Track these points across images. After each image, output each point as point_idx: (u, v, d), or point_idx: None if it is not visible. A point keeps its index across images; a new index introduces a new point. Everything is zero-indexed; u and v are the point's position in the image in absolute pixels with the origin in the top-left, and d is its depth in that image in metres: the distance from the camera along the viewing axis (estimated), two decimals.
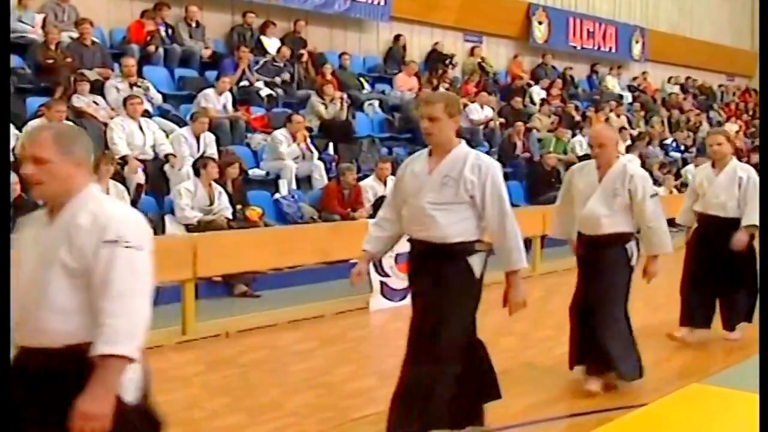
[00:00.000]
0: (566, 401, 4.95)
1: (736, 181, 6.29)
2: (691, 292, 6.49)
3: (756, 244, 6.42)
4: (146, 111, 9.42)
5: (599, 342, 5.01)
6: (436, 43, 15.30)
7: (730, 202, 6.30)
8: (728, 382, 5.17)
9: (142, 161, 8.82)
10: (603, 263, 5.09)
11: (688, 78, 21.42)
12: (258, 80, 11.61)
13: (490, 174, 3.97)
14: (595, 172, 5.19)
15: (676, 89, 20.60)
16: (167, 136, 9.35)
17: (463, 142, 4.13)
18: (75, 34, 10.10)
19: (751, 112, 22.09)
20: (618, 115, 16.33)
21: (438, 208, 3.95)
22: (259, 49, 12.17)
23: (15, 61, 9.24)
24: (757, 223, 6.23)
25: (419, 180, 4.05)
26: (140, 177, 8.62)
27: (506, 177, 13.99)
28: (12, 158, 6.76)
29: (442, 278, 3.97)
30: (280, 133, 10.18)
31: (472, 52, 16.11)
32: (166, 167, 9.04)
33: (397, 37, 14.66)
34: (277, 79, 11.86)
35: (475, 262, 4.01)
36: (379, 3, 14.19)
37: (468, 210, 3.99)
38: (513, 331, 6.92)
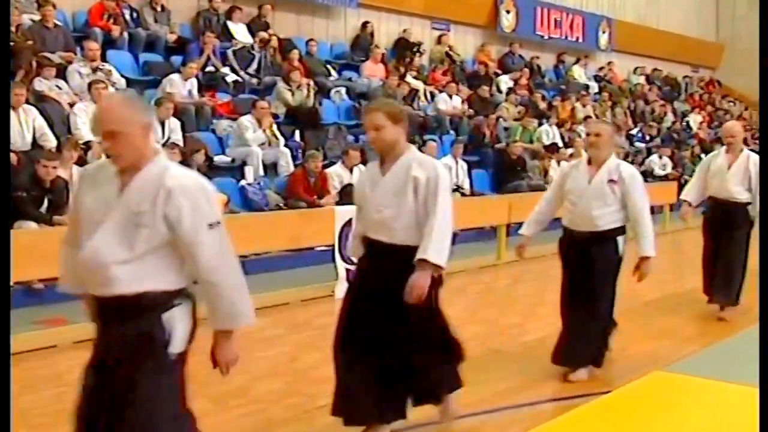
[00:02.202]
0: (533, 389, 4.97)
1: (409, 185, 3.87)
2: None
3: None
4: None
5: None
6: (404, 31, 15.28)
7: (397, 223, 3.90)
8: (690, 369, 5.24)
9: None
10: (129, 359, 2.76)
11: (654, 69, 21.61)
12: (225, 65, 11.51)
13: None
14: (115, 179, 2.79)
15: (642, 80, 20.78)
16: None
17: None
18: (37, 17, 9.91)
19: (715, 104, 22.36)
20: (584, 105, 16.46)
21: None
22: (225, 35, 12.05)
23: None
24: (437, 264, 3.82)
25: None
26: None
27: (473, 166, 13.96)
28: None
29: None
30: (246, 120, 10.09)
31: (439, 40, 16.11)
32: None
33: (364, 24, 14.60)
34: (251, 69, 11.77)
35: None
36: None
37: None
38: (481, 318, 6.97)
